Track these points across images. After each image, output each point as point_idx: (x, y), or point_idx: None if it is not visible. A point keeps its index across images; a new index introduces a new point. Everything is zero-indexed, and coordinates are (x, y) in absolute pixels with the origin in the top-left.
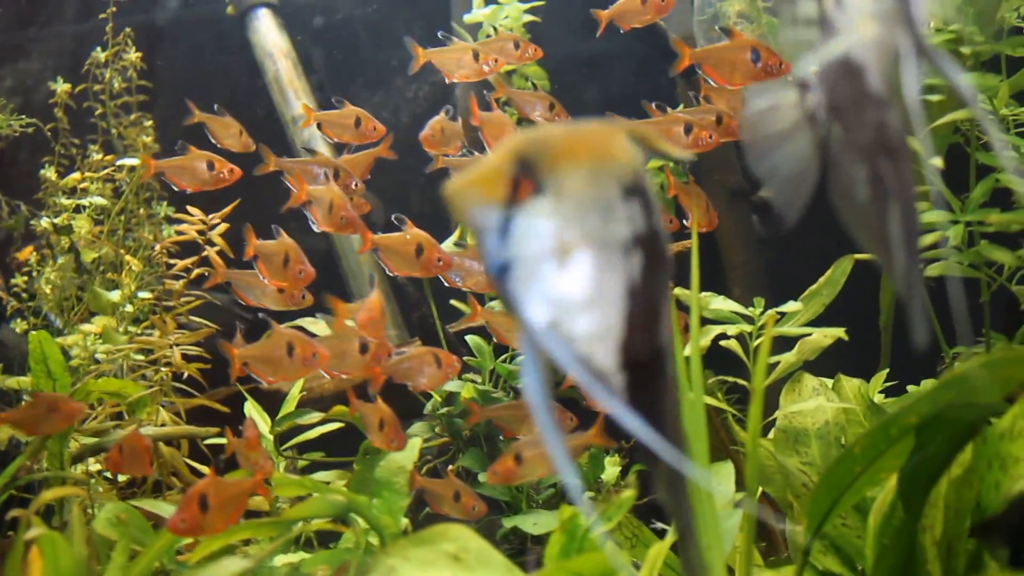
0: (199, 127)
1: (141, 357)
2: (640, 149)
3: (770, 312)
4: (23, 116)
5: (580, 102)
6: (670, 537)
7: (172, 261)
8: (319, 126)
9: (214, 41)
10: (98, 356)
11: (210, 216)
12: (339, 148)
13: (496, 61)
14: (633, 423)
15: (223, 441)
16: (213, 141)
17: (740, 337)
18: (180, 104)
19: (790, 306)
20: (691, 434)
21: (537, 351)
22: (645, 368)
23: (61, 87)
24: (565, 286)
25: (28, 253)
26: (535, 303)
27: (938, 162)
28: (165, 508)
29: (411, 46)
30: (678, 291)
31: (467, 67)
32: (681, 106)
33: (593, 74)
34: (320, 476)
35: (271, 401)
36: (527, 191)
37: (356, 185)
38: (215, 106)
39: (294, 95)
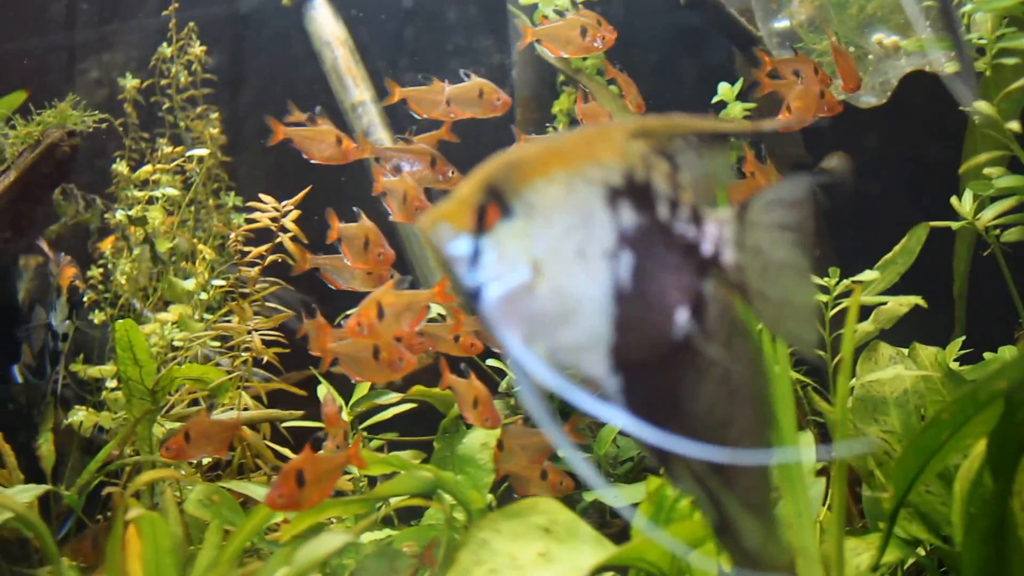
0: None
1: (217, 344)
2: (650, 143)
3: (853, 281)
4: (103, 109)
5: (638, 78)
6: None
7: (247, 248)
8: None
9: (273, 31)
10: (175, 343)
11: (283, 203)
12: (398, 131)
13: (604, 38)
14: (628, 425)
15: (302, 424)
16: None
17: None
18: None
19: (867, 275)
20: (777, 405)
21: (521, 366)
22: (664, 362)
23: (130, 83)
24: (535, 305)
25: (109, 244)
26: (507, 325)
27: (1015, 126)
28: (254, 489)
29: (520, 25)
30: None
31: (575, 44)
32: (741, 80)
33: (650, 49)
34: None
35: (343, 383)
36: (494, 218)
37: (452, 173)
38: (317, 107)
39: (352, 82)
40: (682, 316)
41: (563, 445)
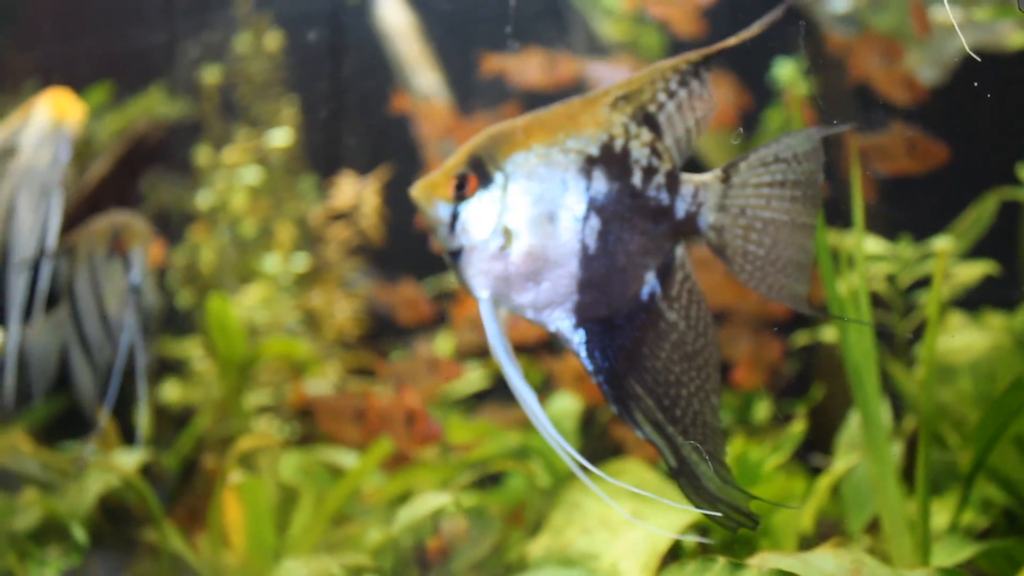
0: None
1: (297, 320)
2: (632, 107)
3: (940, 245)
4: (197, 93)
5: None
6: (840, 467)
7: (327, 228)
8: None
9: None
10: (260, 320)
11: (361, 186)
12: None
13: None
14: (593, 374)
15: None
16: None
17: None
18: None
19: (940, 242)
20: (862, 365)
21: (492, 322)
22: (629, 320)
23: (210, 77)
24: (506, 267)
25: (203, 228)
26: (478, 283)
27: None
28: (343, 457)
29: None
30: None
31: (676, 1)
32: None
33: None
34: None
35: None
36: (474, 187)
37: None
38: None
39: (420, 69)
40: (648, 279)
41: (528, 403)
